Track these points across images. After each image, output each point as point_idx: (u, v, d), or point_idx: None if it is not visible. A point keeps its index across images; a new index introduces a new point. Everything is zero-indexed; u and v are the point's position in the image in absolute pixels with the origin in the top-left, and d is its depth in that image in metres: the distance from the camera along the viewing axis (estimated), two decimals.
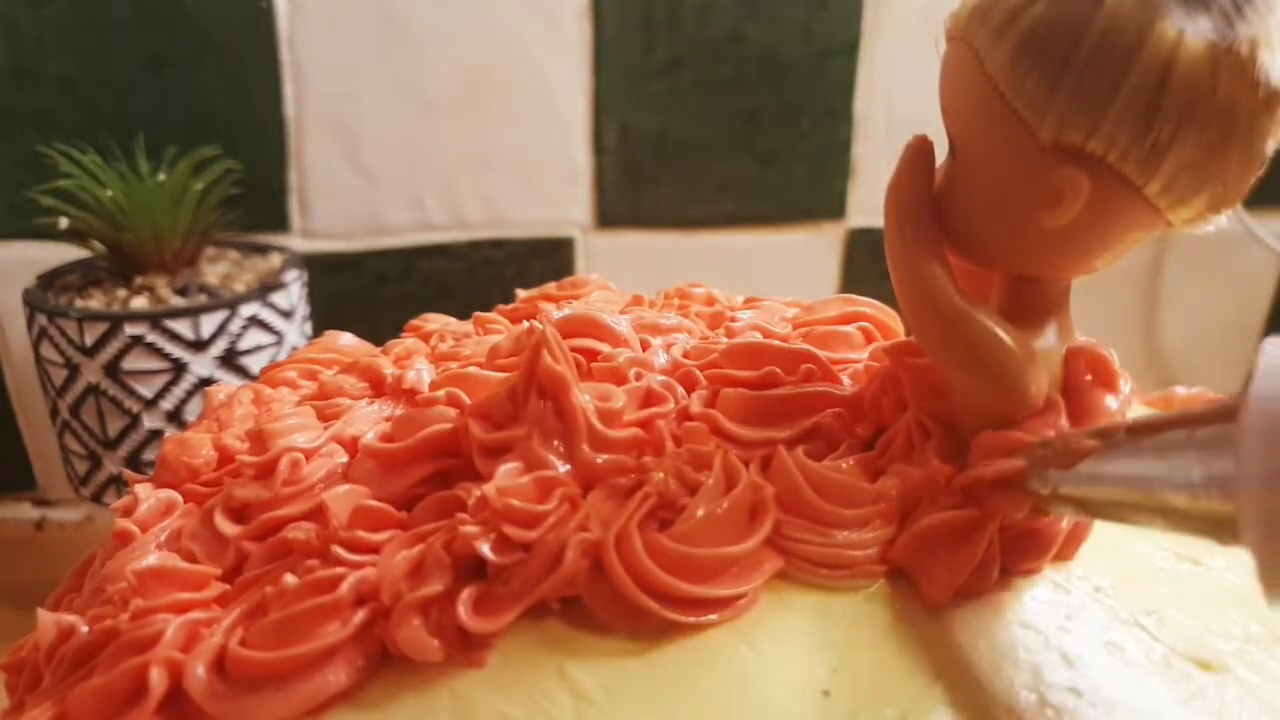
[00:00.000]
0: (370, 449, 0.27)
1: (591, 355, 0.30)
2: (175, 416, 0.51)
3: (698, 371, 0.29)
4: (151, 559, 0.26)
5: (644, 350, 0.31)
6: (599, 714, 0.22)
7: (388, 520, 0.25)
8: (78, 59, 0.58)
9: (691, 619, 0.23)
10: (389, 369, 0.33)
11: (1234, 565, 0.27)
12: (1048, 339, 0.24)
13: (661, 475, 0.25)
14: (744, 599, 0.24)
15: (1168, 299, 0.72)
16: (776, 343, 0.29)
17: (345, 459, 0.28)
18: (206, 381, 0.50)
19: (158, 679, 0.22)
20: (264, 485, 0.28)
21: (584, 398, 0.26)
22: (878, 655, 0.23)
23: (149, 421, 0.51)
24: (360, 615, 0.23)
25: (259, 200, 0.61)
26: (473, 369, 0.30)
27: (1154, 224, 0.22)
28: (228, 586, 0.25)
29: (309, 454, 0.28)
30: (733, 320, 0.34)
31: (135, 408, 0.50)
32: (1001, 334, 0.23)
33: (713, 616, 0.24)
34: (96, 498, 0.53)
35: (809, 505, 0.25)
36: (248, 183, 0.56)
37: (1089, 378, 0.24)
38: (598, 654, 0.23)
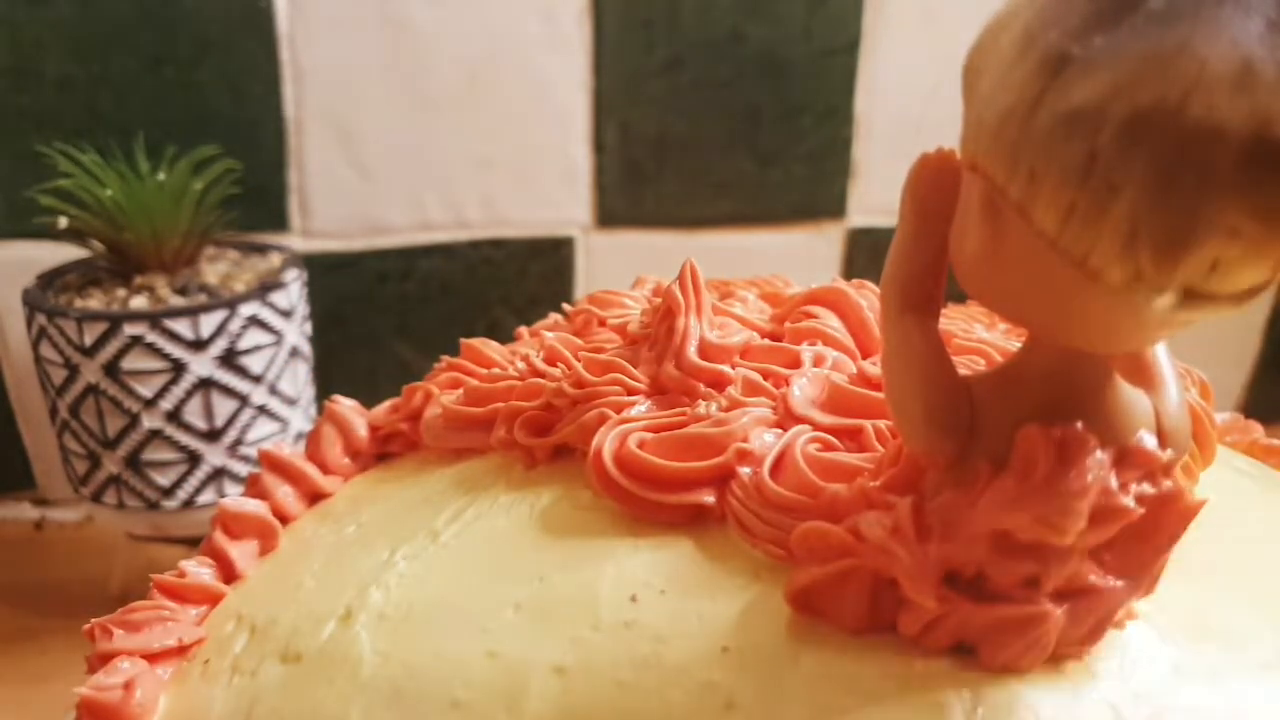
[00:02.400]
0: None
1: (810, 315, 0.32)
2: (174, 416, 0.51)
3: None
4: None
5: (863, 347, 0.31)
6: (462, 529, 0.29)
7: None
8: (78, 59, 0.58)
9: (623, 506, 0.26)
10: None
11: None
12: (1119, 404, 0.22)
13: (704, 405, 0.28)
14: (665, 511, 0.26)
15: None
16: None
17: None
18: (206, 381, 0.50)
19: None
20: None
21: (695, 323, 0.29)
22: (704, 607, 0.24)
23: (148, 421, 0.51)
24: None
25: (259, 200, 0.61)
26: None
27: (1080, 283, 0.18)
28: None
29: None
30: None
31: (134, 407, 0.50)
32: (913, 353, 0.21)
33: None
34: (96, 497, 0.53)
35: (765, 482, 0.25)
36: (247, 183, 0.56)
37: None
38: (544, 492, 0.29)
